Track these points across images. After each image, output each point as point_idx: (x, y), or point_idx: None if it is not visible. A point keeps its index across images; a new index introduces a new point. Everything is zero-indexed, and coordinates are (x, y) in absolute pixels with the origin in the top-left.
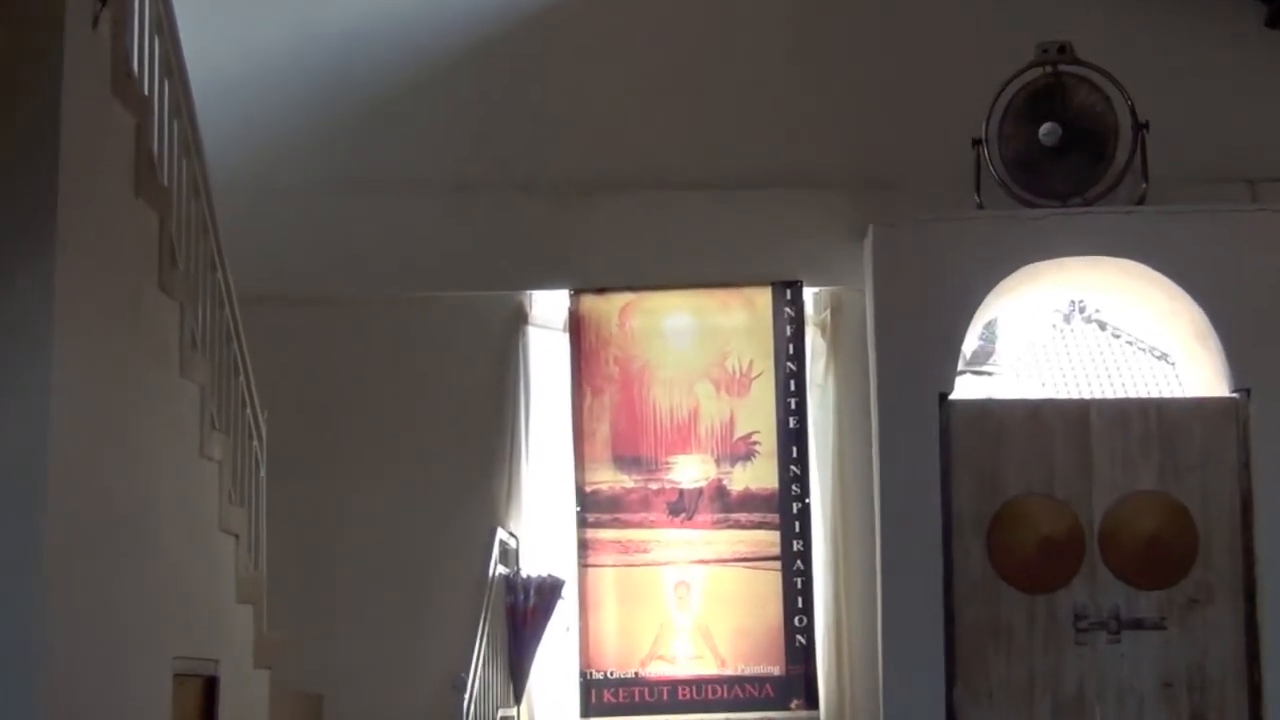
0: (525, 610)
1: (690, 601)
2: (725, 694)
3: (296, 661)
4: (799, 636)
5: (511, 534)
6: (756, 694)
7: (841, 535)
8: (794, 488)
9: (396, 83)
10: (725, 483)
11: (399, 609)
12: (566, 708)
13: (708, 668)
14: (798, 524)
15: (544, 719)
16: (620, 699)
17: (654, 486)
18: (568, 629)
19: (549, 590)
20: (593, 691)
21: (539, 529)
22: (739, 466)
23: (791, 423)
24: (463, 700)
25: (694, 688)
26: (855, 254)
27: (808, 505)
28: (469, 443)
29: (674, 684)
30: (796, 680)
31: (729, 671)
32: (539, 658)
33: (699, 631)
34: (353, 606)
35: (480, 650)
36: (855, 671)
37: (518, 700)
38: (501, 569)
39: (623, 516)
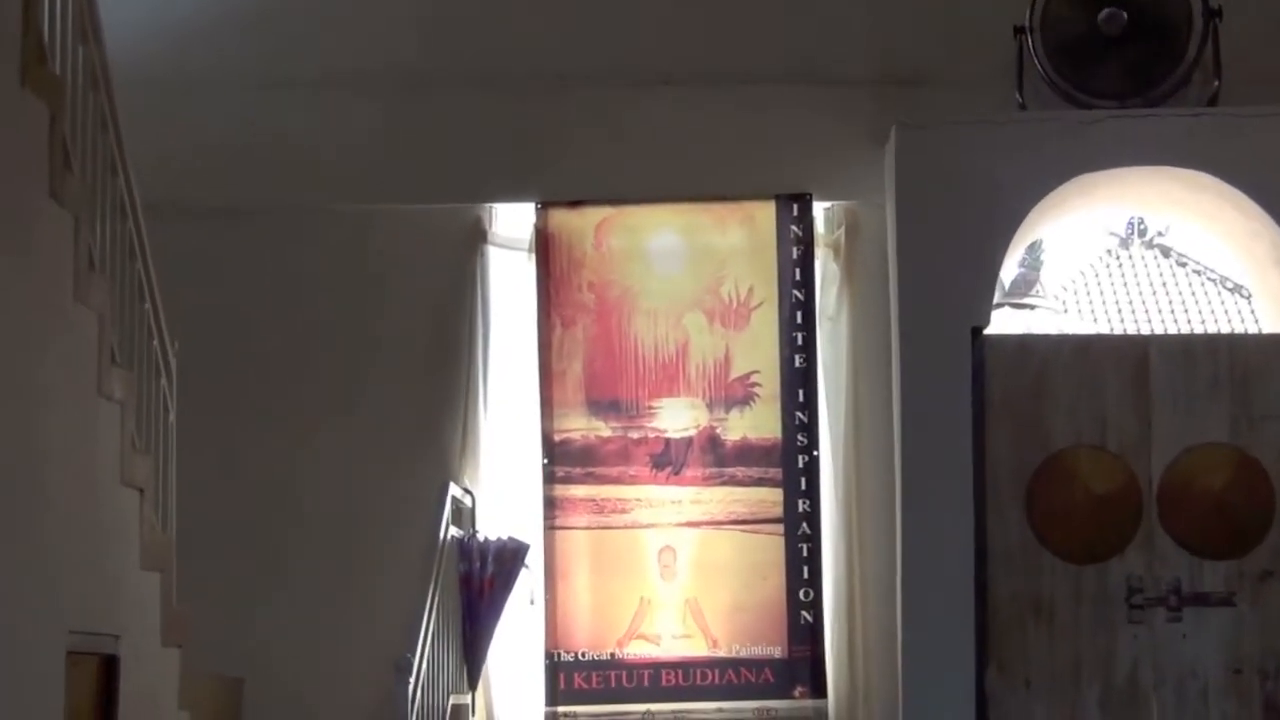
0: (482, 580)
1: (677, 571)
2: (717, 679)
3: (212, 639)
4: (804, 613)
5: (466, 491)
6: (754, 680)
7: (855, 494)
8: (800, 438)
9: None
10: (719, 432)
11: (333, 579)
12: (530, 694)
13: (697, 649)
14: (804, 480)
15: (503, 708)
16: (593, 684)
17: (635, 436)
18: (532, 602)
19: (510, 557)
20: (561, 675)
21: (499, 485)
22: (735, 412)
23: (797, 361)
24: (407, 685)
25: (680, 672)
26: (875, 162)
27: (816, 458)
28: (417, 384)
29: (657, 667)
30: (801, 664)
31: (722, 653)
32: (498, 636)
33: (687, 606)
34: (279, 575)
35: (428, 627)
36: (870, 654)
37: (473, 685)
38: (454, 532)
39: (598, 471)
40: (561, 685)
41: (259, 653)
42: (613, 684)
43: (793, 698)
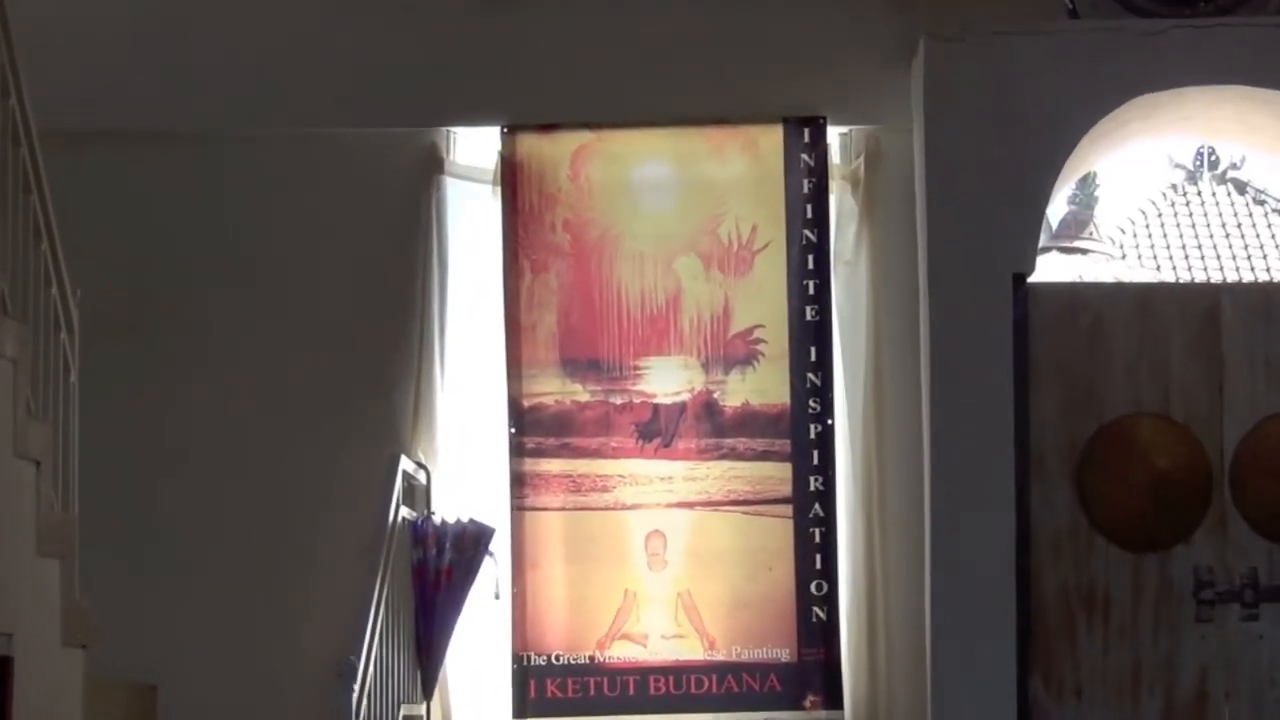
0: (438, 570)
1: (668, 560)
2: (715, 687)
3: (121, 639)
4: (817, 609)
5: (420, 465)
6: (758, 688)
7: (876, 470)
8: (812, 404)
9: None
10: (717, 396)
11: (263, 569)
12: (494, 704)
13: (691, 651)
14: (817, 454)
15: (464, 719)
16: (570, 693)
17: (618, 401)
18: (497, 596)
19: (471, 542)
20: (531, 682)
21: (458, 459)
22: (736, 374)
23: (809, 314)
24: (350, 693)
25: (672, 678)
26: (900, 80)
27: (831, 428)
28: (362, 339)
29: (644, 673)
30: (813, 669)
31: (720, 656)
32: (457, 636)
33: (679, 601)
34: (199, 565)
35: (375, 625)
36: (893, 657)
37: (428, 694)
38: (406, 513)
39: (574, 442)
40: (531, 694)
41: (175, 656)
42: (592, 692)
43: (803, 708)
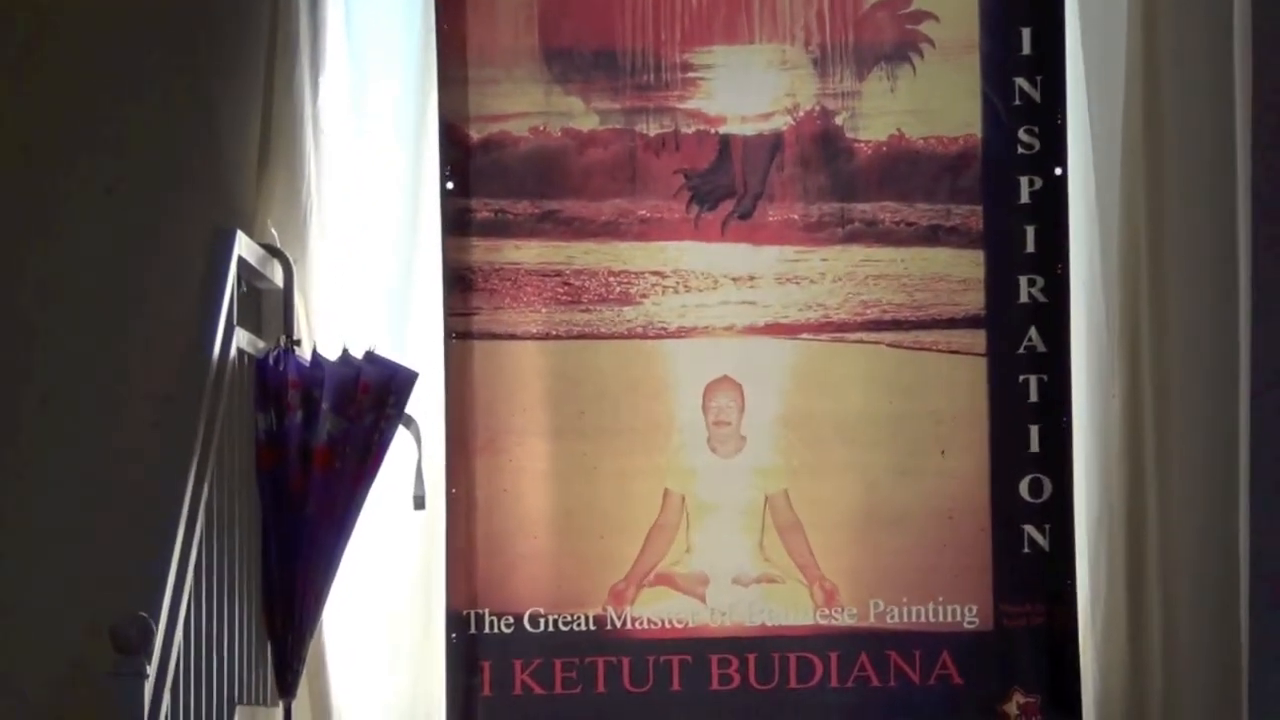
0: (308, 452)
1: (746, 435)
2: (836, 676)
3: None
4: (1032, 532)
5: (273, 251)
6: (917, 678)
7: (1148, 265)
8: (1024, 138)
9: None
10: (841, 123)
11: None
12: (418, 706)
13: (791, 609)
14: (1033, 233)
15: None
16: (557, 687)
17: (651, 130)
18: (419, 504)
19: (371, 400)
20: (485, 666)
21: (343, 242)
22: (878, 80)
23: None
24: (138, 685)
25: (753, 660)
26: None
27: (1061, 184)
28: (174, 19)
29: (698, 649)
30: (1024, 643)
31: (845, 619)
32: (341, 582)
33: (770, 513)
34: None
35: (185, 561)
36: (1175, 620)
37: (285, 689)
38: (247, 342)
39: (565, 207)
40: (485, 687)
41: None
42: (600, 685)
43: (1004, 717)
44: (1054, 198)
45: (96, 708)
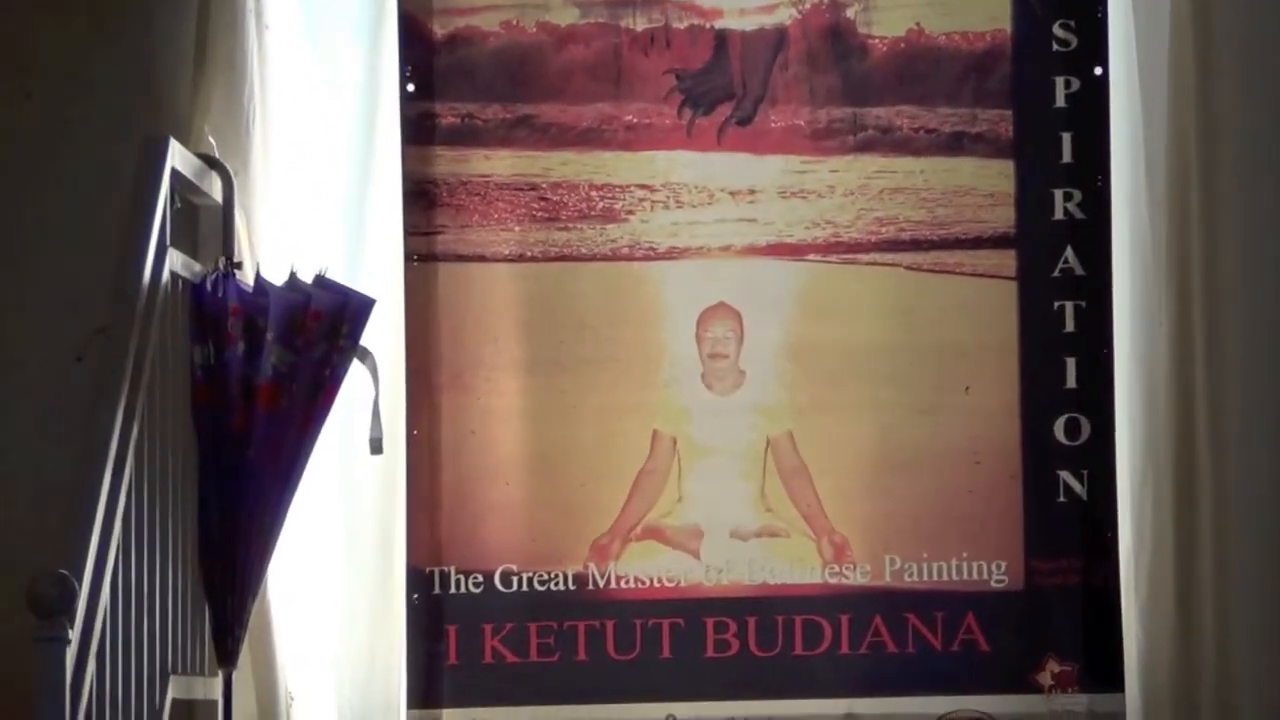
0: (250, 389)
1: (745, 369)
2: (847, 642)
3: None
4: (1068, 479)
5: (210, 162)
6: (939, 644)
7: (1199, 176)
8: (1060, 33)
9: None
10: (852, 15)
11: None
12: (376, 680)
13: (796, 565)
14: (1069, 140)
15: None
16: (532, 654)
17: (638, 25)
18: (375, 448)
19: (321, 330)
20: (451, 631)
21: (287, 152)
22: None
23: None
24: (59, 651)
25: (753, 624)
26: None
27: (1102, 85)
28: None
29: (692, 610)
30: (1059, 605)
31: (858, 576)
32: (287, 535)
33: (772, 456)
34: None
35: (111, 512)
36: (1230, 581)
37: (225, 658)
38: (181, 265)
39: (543, 113)
40: (452, 656)
41: None
42: (580, 652)
43: (1036, 688)
44: (1093, 101)
45: (12, 676)
